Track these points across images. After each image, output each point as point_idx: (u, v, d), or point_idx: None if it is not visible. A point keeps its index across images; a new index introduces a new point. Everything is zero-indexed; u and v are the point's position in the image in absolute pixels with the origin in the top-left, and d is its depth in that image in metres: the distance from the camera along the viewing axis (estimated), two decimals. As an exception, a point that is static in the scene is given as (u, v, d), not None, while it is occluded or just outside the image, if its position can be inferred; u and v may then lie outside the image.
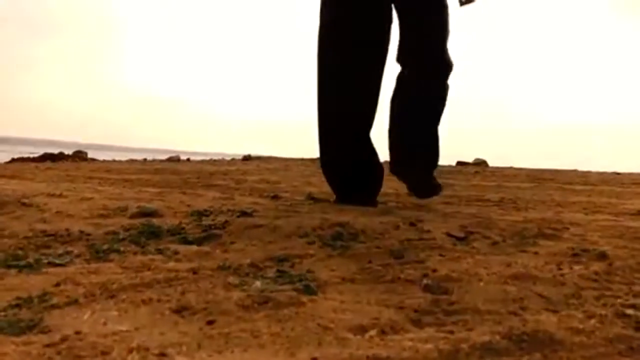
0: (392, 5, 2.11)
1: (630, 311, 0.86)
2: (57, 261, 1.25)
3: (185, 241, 1.51)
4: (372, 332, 0.78)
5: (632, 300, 0.93)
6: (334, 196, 2.38)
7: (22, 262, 1.22)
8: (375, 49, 2.08)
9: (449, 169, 6.78)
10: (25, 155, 7.49)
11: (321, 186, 3.68)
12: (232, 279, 1.08)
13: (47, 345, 0.73)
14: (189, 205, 2.17)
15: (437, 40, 2.10)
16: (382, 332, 0.79)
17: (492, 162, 8.45)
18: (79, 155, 7.81)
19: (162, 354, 0.70)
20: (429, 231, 1.62)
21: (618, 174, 6.82)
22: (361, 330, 0.79)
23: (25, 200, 2.08)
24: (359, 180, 2.25)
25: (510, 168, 7.48)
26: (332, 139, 2.19)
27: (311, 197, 2.71)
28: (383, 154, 2.35)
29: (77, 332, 0.77)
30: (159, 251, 1.37)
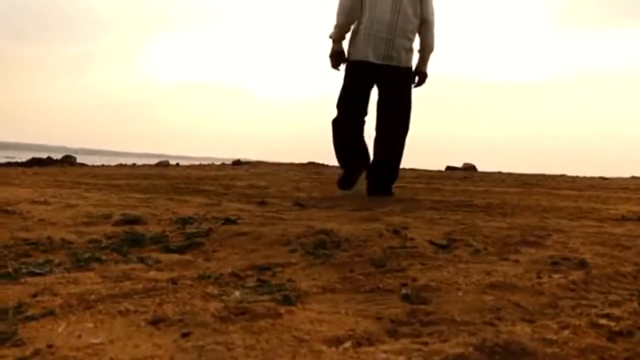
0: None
1: (603, 321, 0.86)
2: (37, 270, 1.24)
3: (168, 249, 1.50)
4: (347, 344, 0.78)
5: (607, 310, 0.93)
6: (322, 202, 2.49)
7: (1, 272, 1.21)
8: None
9: (438, 174, 6.82)
10: (13, 160, 7.42)
11: (310, 191, 3.68)
12: (211, 289, 1.08)
13: (19, 359, 0.73)
14: (174, 212, 2.16)
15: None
16: (357, 344, 0.79)
17: (481, 167, 8.50)
18: (68, 160, 7.76)
19: (134, 368, 0.70)
20: (412, 239, 1.62)
21: (605, 179, 6.88)
22: (336, 342, 0.79)
23: (8, 208, 2.07)
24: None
25: (499, 173, 7.53)
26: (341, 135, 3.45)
27: (298, 204, 2.72)
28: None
29: (50, 346, 0.76)
30: (141, 260, 1.37)
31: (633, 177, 7.48)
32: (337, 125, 3.42)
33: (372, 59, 3.27)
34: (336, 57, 3.41)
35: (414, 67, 3.45)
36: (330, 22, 3.42)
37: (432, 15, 3.41)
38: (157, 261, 1.35)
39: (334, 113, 3.45)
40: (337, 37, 3.38)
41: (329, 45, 3.43)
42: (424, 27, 3.40)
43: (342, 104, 3.40)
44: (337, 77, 3.49)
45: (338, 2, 3.34)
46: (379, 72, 3.30)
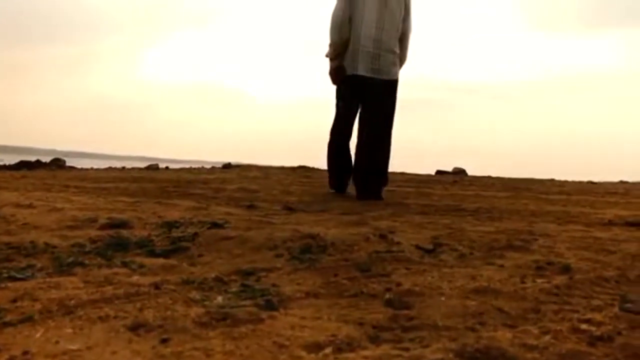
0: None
1: (585, 326, 0.86)
2: (18, 275, 1.22)
3: (152, 254, 1.49)
4: (327, 350, 0.77)
5: (588, 315, 0.93)
6: (311, 205, 2.52)
7: (-19, 277, 1.19)
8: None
9: (428, 178, 6.83)
10: (1, 163, 7.35)
11: (300, 195, 3.67)
12: (194, 294, 1.07)
13: (-7, 366, 0.72)
14: (160, 216, 2.14)
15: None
16: (338, 350, 0.78)
17: (471, 171, 8.53)
18: (57, 163, 7.69)
19: (110, 375, 0.69)
20: (398, 243, 1.62)
21: (594, 183, 6.93)
22: (317, 348, 0.79)
23: (-7, 211, 2.04)
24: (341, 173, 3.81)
25: (489, 177, 7.56)
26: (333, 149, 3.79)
27: (287, 207, 2.71)
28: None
29: (25, 352, 0.75)
30: (124, 264, 1.35)
31: (621, 182, 7.54)
32: (336, 136, 3.72)
33: (361, 72, 3.52)
34: (336, 74, 3.64)
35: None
36: (327, 21, 3.63)
37: (410, 30, 3.76)
38: (141, 266, 1.33)
39: (330, 119, 3.72)
40: (333, 55, 3.62)
41: (327, 62, 3.67)
42: (403, 40, 3.71)
43: (338, 116, 3.70)
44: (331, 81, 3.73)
45: (330, 21, 3.57)
46: (368, 84, 3.54)
